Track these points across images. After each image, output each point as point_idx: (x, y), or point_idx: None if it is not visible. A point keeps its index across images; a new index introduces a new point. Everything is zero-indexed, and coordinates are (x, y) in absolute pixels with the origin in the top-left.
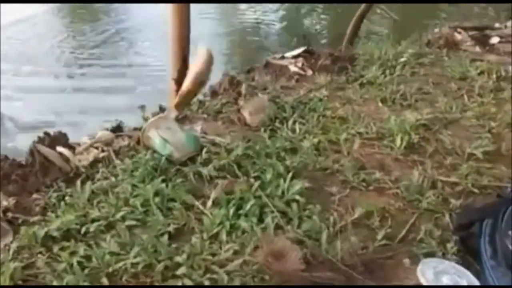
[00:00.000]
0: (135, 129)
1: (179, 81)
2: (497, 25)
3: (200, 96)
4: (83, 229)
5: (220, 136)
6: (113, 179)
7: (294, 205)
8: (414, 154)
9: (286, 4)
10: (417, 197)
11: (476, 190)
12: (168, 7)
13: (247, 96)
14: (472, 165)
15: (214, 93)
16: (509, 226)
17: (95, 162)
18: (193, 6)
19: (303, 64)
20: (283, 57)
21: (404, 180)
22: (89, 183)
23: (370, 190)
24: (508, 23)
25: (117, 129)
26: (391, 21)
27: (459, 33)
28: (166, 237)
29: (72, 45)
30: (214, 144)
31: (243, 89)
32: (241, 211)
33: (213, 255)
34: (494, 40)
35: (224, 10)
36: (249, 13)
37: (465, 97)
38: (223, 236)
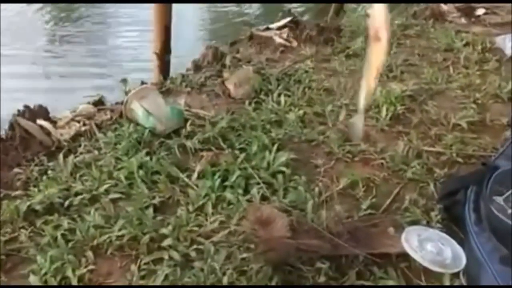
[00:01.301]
0: (117, 103)
1: (161, 55)
2: None
3: (183, 70)
4: (66, 203)
5: (205, 109)
6: (96, 152)
7: (280, 177)
8: (400, 125)
9: None
10: (402, 167)
11: (460, 160)
12: None
13: (232, 68)
14: (457, 135)
15: (197, 67)
16: (493, 192)
17: (77, 136)
18: None
19: (288, 36)
20: (268, 29)
21: (389, 151)
22: (71, 156)
23: (355, 161)
24: None
25: (99, 103)
26: None
27: (445, 4)
28: (151, 209)
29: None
30: (198, 117)
31: (227, 61)
32: (226, 183)
33: (199, 226)
34: (480, 11)
35: None
36: None
37: (451, 68)
38: (209, 208)
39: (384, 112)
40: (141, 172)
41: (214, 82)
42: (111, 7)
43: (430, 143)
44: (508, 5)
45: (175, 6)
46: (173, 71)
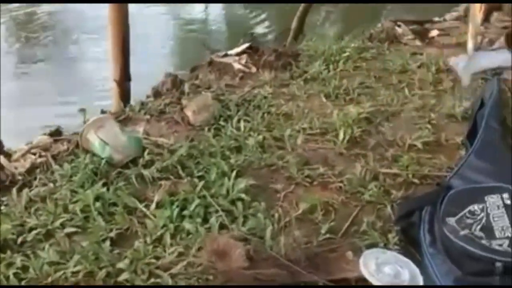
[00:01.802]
0: (75, 133)
1: (121, 82)
2: (436, 18)
3: (142, 97)
4: (20, 239)
5: (164, 137)
6: (51, 185)
7: (239, 204)
8: (357, 148)
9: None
10: (359, 190)
11: (416, 181)
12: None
13: (191, 95)
14: (412, 156)
15: (157, 93)
16: (446, 213)
17: (32, 169)
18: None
19: (247, 61)
20: (226, 55)
21: (347, 173)
22: (26, 190)
23: (314, 185)
24: (447, 16)
25: (56, 134)
26: (337, 15)
27: (399, 26)
28: (107, 243)
29: None
30: (157, 145)
31: (186, 88)
32: (185, 212)
33: (157, 258)
34: (434, 33)
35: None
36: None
37: (406, 89)
38: (167, 239)
39: (341, 135)
40: (97, 204)
41: (174, 109)
42: (76, 34)
43: (387, 164)
44: (462, 26)
45: (135, 31)
46: (135, 98)
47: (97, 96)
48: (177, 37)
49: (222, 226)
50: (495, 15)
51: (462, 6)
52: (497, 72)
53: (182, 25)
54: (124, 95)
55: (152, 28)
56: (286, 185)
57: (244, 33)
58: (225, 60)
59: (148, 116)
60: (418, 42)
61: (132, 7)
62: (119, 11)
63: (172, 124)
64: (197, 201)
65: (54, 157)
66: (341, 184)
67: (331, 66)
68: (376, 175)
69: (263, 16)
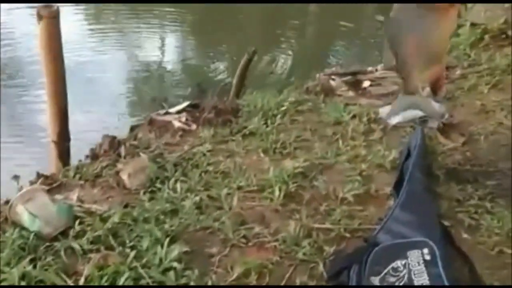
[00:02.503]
0: (7, 202)
1: (59, 143)
2: (369, 68)
3: (77, 161)
4: None
5: (98, 203)
6: None
7: (171, 274)
8: (292, 203)
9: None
10: (293, 248)
11: (348, 235)
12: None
13: (127, 157)
14: (344, 209)
15: (94, 156)
16: (371, 272)
17: None
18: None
19: (187, 119)
20: (167, 113)
21: (282, 231)
22: None
23: (250, 246)
24: (378, 67)
25: None
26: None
27: (333, 79)
28: None
29: None
30: (90, 213)
31: (122, 150)
32: None
33: None
34: (366, 83)
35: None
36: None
37: (340, 141)
38: None
39: (277, 192)
40: (23, 283)
41: (109, 172)
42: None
43: (321, 219)
44: (392, 75)
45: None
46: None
47: (35, 156)
48: (130, 86)
49: None
50: None
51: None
52: (424, 120)
53: (137, 71)
54: (63, 156)
55: (106, 76)
56: (221, 248)
57: (193, 84)
58: (166, 118)
59: (82, 182)
60: (351, 93)
61: (87, 54)
62: (55, 65)
63: (107, 189)
64: (127, 273)
65: None
66: (276, 243)
67: (269, 121)
68: (310, 231)
69: (217, 65)
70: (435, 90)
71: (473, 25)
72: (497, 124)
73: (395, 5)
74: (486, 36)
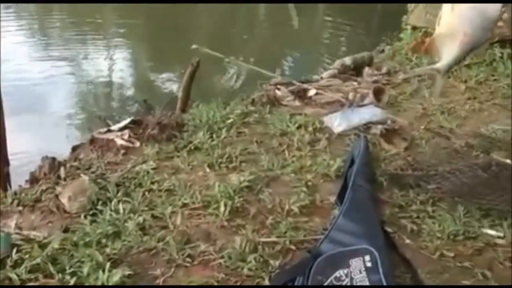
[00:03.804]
0: None
1: None
2: (315, 77)
3: (16, 186)
4: None
5: (37, 230)
6: None
7: None
8: (239, 218)
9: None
10: (239, 264)
11: (293, 247)
12: None
13: (68, 179)
14: (290, 221)
15: (34, 179)
16: (314, 283)
17: None
18: None
19: (130, 136)
20: (109, 131)
21: (228, 247)
22: None
23: (195, 265)
24: (324, 74)
25: None
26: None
27: (279, 89)
28: None
29: None
30: (28, 240)
31: (62, 172)
32: None
33: None
34: (311, 92)
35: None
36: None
37: (286, 152)
38: None
39: (222, 207)
40: None
41: (49, 196)
42: None
43: (267, 233)
44: (337, 83)
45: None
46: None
47: None
48: (74, 104)
49: None
50: (366, 69)
51: (338, 63)
52: (367, 127)
53: (82, 88)
54: (2, 182)
55: (49, 94)
56: (166, 269)
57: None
58: (108, 136)
59: (21, 207)
60: (297, 103)
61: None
62: None
63: (47, 214)
64: None
65: None
66: (221, 260)
67: (214, 135)
68: (255, 245)
69: (164, 78)
70: (377, 97)
71: (414, 28)
72: (438, 127)
73: None
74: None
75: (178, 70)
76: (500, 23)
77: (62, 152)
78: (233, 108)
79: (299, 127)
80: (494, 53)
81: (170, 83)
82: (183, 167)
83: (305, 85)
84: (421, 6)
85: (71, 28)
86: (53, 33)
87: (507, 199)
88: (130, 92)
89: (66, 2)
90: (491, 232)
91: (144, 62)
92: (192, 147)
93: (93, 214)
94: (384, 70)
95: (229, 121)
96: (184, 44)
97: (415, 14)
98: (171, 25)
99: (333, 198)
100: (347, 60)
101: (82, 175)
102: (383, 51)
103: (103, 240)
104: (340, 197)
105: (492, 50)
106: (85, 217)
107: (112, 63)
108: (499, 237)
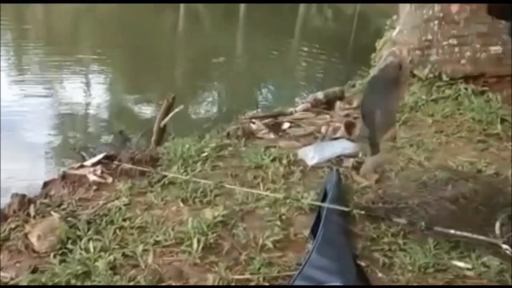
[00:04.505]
0: None
1: None
2: (289, 109)
3: None
4: None
5: (4, 270)
6: None
7: None
8: (212, 255)
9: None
10: None
11: (266, 284)
12: None
13: (37, 217)
14: (264, 256)
15: (3, 217)
16: None
17: None
18: None
19: (102, 172)
20: (82, 166)
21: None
22: None
23: None
24: (297, 108)
25: None
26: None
27: (253, 123)
28: None
29: None
30: None
31: (31, 210)
32: None
33: None
34: (286, 125)
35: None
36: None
37: (260, 185)
38: None
39: (195, 244)
40: None
41: (18, 235)
42: None
43: (240, 270)
44: (310, 116)
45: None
46: None
47: None
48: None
49: None
50: (338, 103)
51: (311, 97)
52: (340, 159)
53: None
54: None
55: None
56: None
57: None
58: (80, 172)
59: None
60: (272, 135)
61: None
62: None
63: (15, 254)
64: None
65: None
66: None
67: (189, 169)
68: (229, 283)
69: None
70: (349, 130)
71: None
72: (407, 160)
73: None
74: None
75: (155, 99)
76: (462, 61)
77: (35, 184)
78: (208, 142)
79: (273, 160)
80: (459, 88)
81: (148, 112)
82: (156, 202)
83: (279, 118)
84: (388, 43)
85: (48, 56)
86: (28, 60)
87: (474, 231)
88: (105, 122)
89: (65, 2)
90: (460, 264)
91: (121, 92)
92: (166, 182)
93: (63, 254)
94: (355, 104)
95: (204, 154)
96: (163, 73)
97: (386, 48)
98: (149, 54)
99: (307, 232)
100: (320, 95)
101: (52, 212)
102: (354, 85)
103: (73, 281)
104: (314, 230)
105: (457, 86)
106: (54, 256)
107: (88, 92)
108: (468, 269)
